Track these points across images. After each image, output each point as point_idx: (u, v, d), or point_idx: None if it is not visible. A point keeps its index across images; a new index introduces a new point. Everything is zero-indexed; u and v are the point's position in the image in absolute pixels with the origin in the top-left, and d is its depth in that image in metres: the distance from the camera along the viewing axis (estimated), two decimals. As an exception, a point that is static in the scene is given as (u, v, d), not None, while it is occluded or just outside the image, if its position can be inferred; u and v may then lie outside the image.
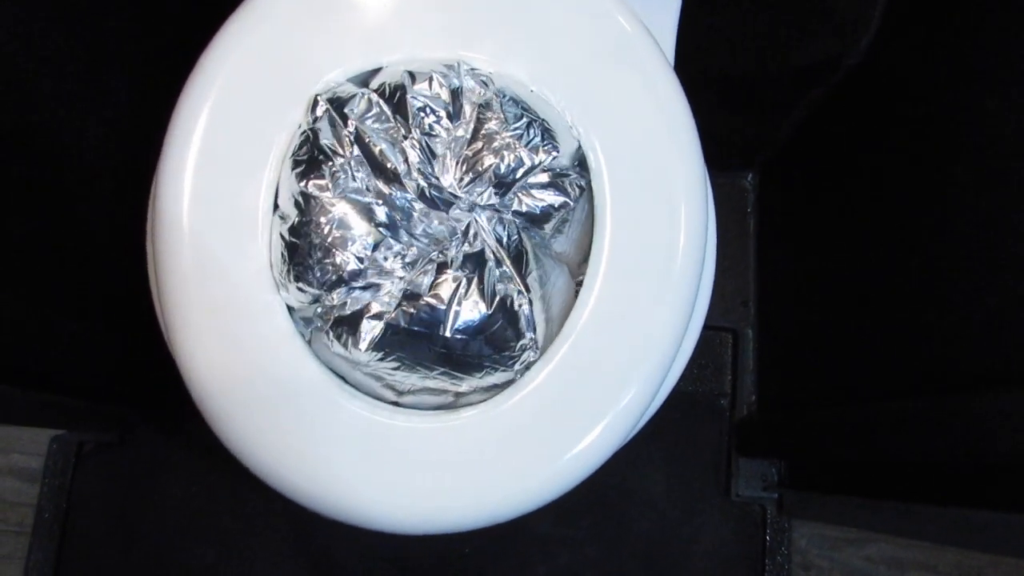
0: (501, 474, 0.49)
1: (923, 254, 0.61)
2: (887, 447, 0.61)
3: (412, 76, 0.50)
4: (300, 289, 0.49)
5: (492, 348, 0.49)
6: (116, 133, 0.70)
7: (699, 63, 0.76)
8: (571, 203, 0.51)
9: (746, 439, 0.91)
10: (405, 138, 0.50)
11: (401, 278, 0.49)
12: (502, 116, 0.50)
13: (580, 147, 0.52)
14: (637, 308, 0.50)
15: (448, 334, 0.49)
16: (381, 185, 0.49)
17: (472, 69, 0.51)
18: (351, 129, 0.50)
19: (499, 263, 0.50)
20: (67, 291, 0.70)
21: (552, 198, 0.51)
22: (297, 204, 0.49)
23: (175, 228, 0.49)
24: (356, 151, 0.50)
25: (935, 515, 0.57)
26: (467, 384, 0.50)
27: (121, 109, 0.71)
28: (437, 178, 0.50)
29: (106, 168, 0.71)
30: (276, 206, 0.50)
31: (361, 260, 0.49)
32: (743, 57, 0.79)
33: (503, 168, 0.50)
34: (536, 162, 0.50)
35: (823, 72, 0.75)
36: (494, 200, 0.51)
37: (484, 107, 0.50)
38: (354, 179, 0.49)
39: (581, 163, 0.52)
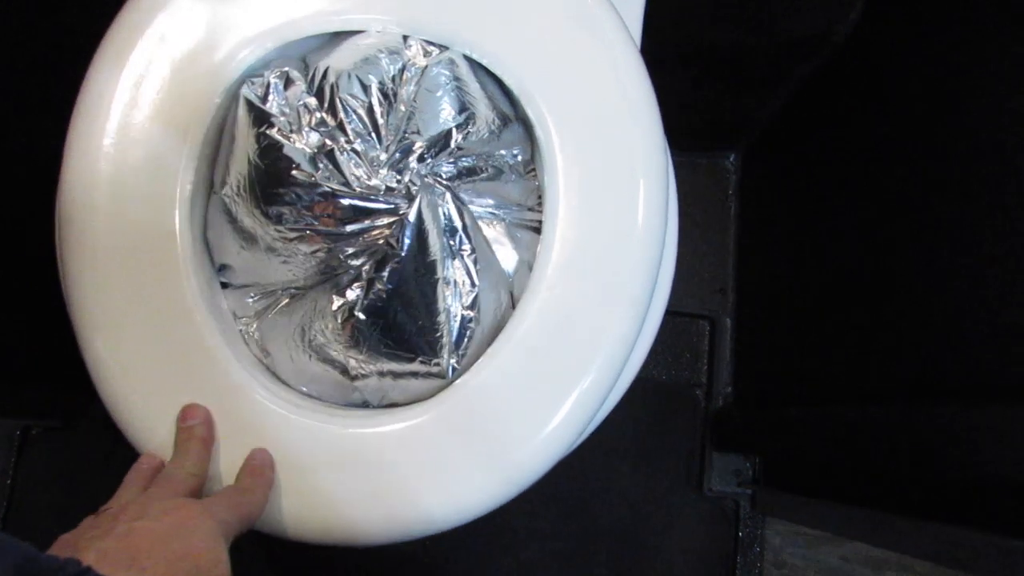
0: (461, 471, 0.45)
1: (906, 252, 0.59)
2: (862, 453, 0.59)
3: (346, 68, 0.47)
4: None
5: (425, 316, 0.47)
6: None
7: (678, 37, 0.72)
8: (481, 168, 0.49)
9: (721, 433, 0.88)
10: (340, 128, 0.47)
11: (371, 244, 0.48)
12: (431, 99, 0.47)
13: (507, 129, 0.49)
14: (593, 292, 0.47)
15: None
16: (341, 173, 0.47)
17: (411, 60, 0.48)
18: (307, 119, 0.47)
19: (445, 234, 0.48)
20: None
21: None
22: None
23: (85, 224, 0.46)
24: (315, 138, 0.47)
25: (909, 528, 0.54)
26: (416, 365, 0.48)
27: (20, 101, 0.67)
28: (387, 161, 0.48)
29: (14, 162, 0.67)
30: (223, 184, 0.48)
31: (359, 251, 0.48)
32: (726, 32, 0.75)
33: (429, 154, 0.48)
34: (454, 145, 0.48)
35: (809, 49, 0.72)
36: (427, 177, 0.49)
37: (417, 94, 0.47)
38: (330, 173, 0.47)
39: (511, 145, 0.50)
